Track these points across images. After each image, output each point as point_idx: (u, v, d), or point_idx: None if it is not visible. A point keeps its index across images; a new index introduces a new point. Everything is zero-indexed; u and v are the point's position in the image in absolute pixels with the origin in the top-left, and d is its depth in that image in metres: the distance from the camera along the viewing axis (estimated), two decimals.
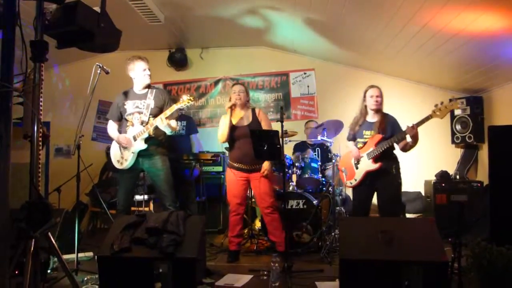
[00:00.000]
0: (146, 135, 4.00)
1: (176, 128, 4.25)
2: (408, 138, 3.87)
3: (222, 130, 4.25)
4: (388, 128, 3.95)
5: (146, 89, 4.17)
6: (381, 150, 3.87)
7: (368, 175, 3.98)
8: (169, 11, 5.30)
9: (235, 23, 5.62)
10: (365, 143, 4.04)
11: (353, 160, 4.11)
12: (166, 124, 3.93)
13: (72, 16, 2.09)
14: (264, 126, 4.30)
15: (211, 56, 6.84)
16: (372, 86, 4.08)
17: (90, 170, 4.21)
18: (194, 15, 5.44)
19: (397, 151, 4.10)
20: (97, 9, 2.27)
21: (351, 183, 4.14)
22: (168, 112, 3.92)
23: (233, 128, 4.25)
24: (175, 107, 3.95)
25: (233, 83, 4.51)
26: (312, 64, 6.58)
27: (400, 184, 4.00)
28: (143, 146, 4.02)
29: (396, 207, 4.04)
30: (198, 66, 6.87)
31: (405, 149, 3.97)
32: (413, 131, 3.72)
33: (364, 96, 4.09)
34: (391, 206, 3.94)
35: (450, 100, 3.68)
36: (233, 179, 4.31)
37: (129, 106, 4.14)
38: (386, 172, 3.92)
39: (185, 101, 3.95)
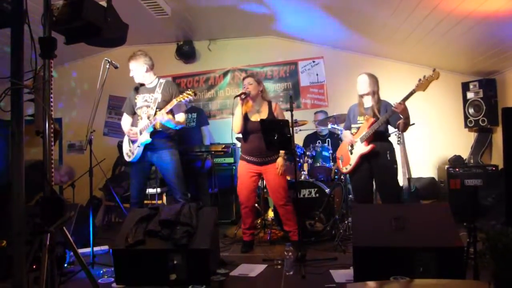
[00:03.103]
0: (150, 128, 4.00)
1: (181, 122, 4.14)
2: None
3: (235, 121, 4.20)
4: (382, 112, 3.93)
5: (156, 83, 4.18)
6: (372, 132, 3.86)
7: (363, 159, 3.96)
8: (175, 3, 5.28)
9: (242, 13, 5.59)
10: (358, 128, 4.05)
11: (348, 146, 4.11)
12: (167, 119, 3.91)
13: (78, 11, 2.09)
14: None
15: (219, 48, 6.82)
16: (361, 73, 4.10)
17: (102, 165, 4.24)
18: (200, 7, 5.42)
19: (392, 138, 4.13)
20: (104, 3, 2.27)
21: (346, 168, 4.13)
22: (168, 106, 3.92)
23: (246, 120, 4.22)
24: (174, 102, 3.91)
25: (244, 77, 4.45)
26: (321, 52, 6.53)
27: (396, 170, 4.00)
28: (148, 139, 4.01)
29: (395, 193, 4.03)
30: (206, 58, 6.86)
31: (400, 127, 3.91)
32: (401, 106, 3.67)
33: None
34: (389, 192, 3.94)
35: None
36: (244, 172, 4.29)
37: (139, 100, 4.17)
38: (380, 156, 3.90)
39: (184, 95, 3.89)
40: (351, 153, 4.07)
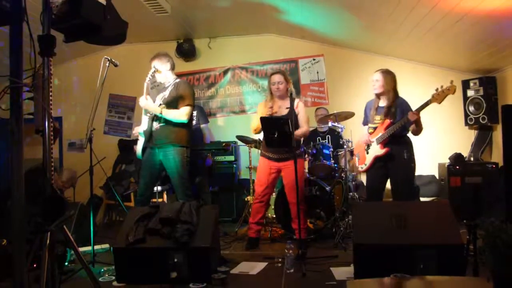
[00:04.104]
0: (145, 119, 4.07)
1: (170, 114, 3.99)
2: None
3: (255, 123, 4.18)
4: (398, 112, 3.88)
5: (171, 81, 4.18)
6: (388, 135, 3.83)
7: (377, 160, 3.94)
8: (175, 1, 5.27)
9: (243, 11, 5.58)
10: (375, 128, 4.01)
11: (365, 145, 4.09)
12: (143, 103, 4.01)
13: (77, 9, 2.08)
14: (301, 119, 4.26)
15: (219, 46, 6.81)
16: (376, 71, 4.02)
17: (103, 163, 4.24)
18: (200, 5, 5.41)
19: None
20: (103, 1, 2.27)
21: (361, 167, 4.14)
22: (145, 90, 4.01)
23: None
24: (145, 85, 4.04)
25: (272, 73, 4.38)
26: (321, 50, 6.52)
27: (413, 168, 3.95)
28: (141, 131, 4.10)
29: (409, 191, 3.99)
30: (206, 56, 6.84)
31: (413, 133, 3.93)
32: (415, 116, 3.66)
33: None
34: (403, 190, 3.89)
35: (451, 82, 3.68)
36: (263, 167, 4.29)
37: (157, 99, 4.19)
38: (396, 157, 3.86)
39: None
40: (367, 153, 4.05)
